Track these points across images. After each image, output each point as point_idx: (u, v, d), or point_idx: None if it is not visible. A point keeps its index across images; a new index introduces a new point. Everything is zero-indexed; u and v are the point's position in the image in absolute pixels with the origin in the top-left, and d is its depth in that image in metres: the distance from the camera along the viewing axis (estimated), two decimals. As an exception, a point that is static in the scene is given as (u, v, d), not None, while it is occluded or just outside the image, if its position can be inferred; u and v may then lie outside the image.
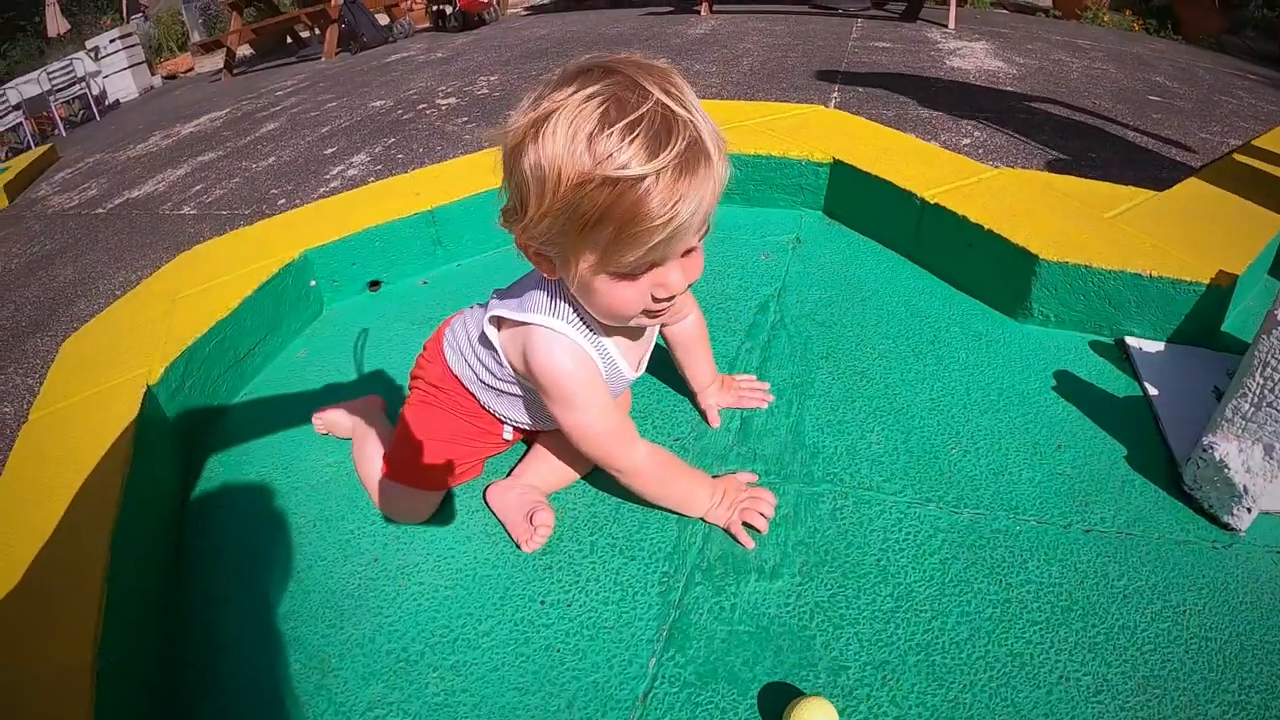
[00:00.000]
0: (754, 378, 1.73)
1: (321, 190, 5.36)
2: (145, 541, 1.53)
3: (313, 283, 2.42)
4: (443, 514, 1.55)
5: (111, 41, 14.60)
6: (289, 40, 13.86)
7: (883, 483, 1.43)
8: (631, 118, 0.95)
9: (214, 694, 1.31)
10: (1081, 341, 1.77)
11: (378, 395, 1.83)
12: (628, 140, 0.94)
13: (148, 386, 1.85)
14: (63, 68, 12.97)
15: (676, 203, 0.97)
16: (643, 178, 0.95)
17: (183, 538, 1.65)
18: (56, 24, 16.11)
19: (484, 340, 1.36)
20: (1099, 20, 8.38)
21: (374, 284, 2.53)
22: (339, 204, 2.72)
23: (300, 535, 1.57)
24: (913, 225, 2.07)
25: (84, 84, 13.15)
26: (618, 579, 1.35)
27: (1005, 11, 8.96)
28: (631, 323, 1.18)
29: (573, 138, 0.96)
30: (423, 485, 1.50)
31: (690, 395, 1.69)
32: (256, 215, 5.01)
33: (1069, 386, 1.64)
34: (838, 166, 2.32)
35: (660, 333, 1.56)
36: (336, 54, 11.05)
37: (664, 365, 1.71)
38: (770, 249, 2.29)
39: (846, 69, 6.05)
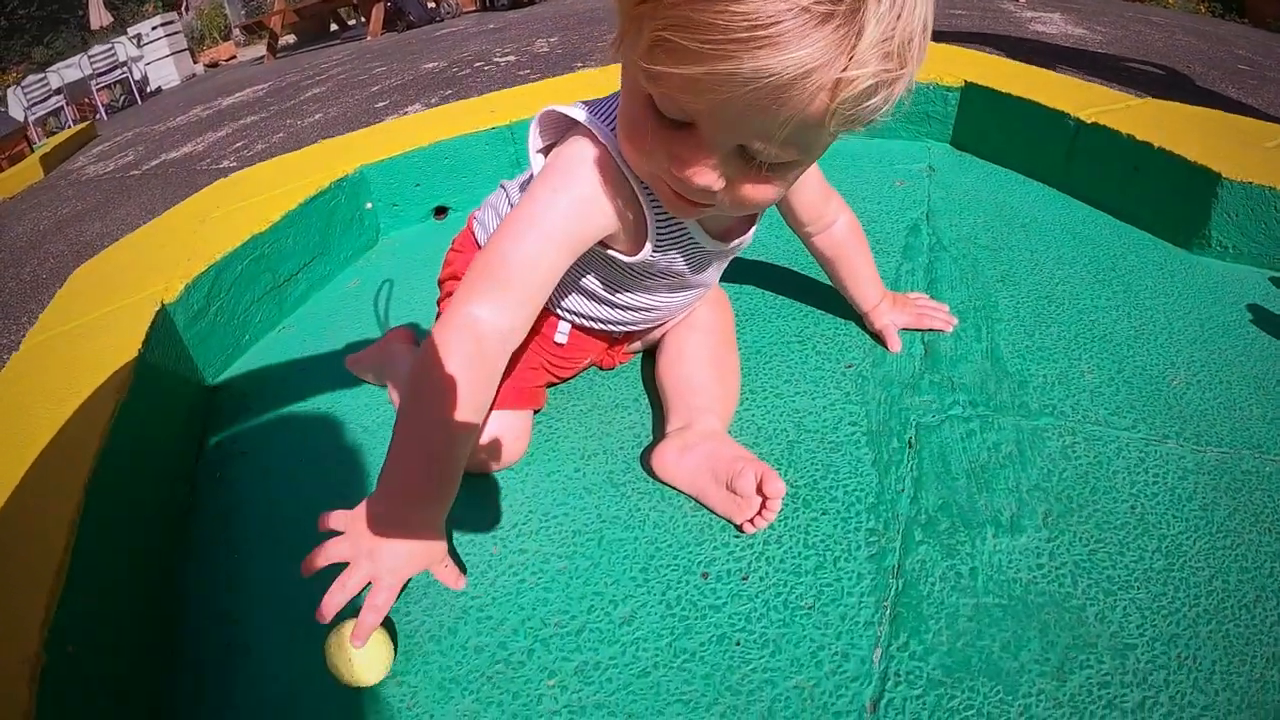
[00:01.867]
0: (927, 296, 1.50)
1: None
2: (137, 491, 1.20)
3: (369, 205, 2.08)
4: (538, 457, 1.25)
5: (154, 29, 14.60)
6: (332, 26, 13.61)
7: (1110, 416, 1.21)
8: None
9: (221, 711, 0.97)
10: (1261, 277, 1.56)
11: (405, 327, 1.51)
12: None
13: (162, 305, 1.53)
14: (104, 51, 12.92)
15: (746, 40, 0.64)
16: None
17: (195, 494, 1.33)
18: (99, 16, 16.19)
19: (525, 186, 1.05)
20: (1164, 2, 8.29)
21: (440, 211, 2.20)
22: (404, 124, 2.38)
23: (345, 493, 1.24)
24: (1063, 151, 1.86)
25: (125, 69, 13.08)
26: (808, 539, 1.05)
27: None
28: (644, 176, 0.91)
29: None
30: (498, 402, 1.16)
31: (857, 317, 1.45)
32: None
33: (1271, 323, 1.42)
34: (971, 91, 2.09)
35: (810, 246, 1.37)
36: (382, 33, 10.75)
37: (820, 285, 1.54)
38: (902, 177, 2.06)
39: (935, 28, 5.75)
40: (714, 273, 1.21)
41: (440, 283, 1.33)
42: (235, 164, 5.12)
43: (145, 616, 1.06)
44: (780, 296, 1.56)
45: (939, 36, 4.92)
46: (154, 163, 6.06)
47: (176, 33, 14.91)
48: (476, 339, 0.90)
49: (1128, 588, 0.97)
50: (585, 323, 1.23)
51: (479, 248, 1.22)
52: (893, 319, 1.39)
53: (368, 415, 1.41)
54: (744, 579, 1.01)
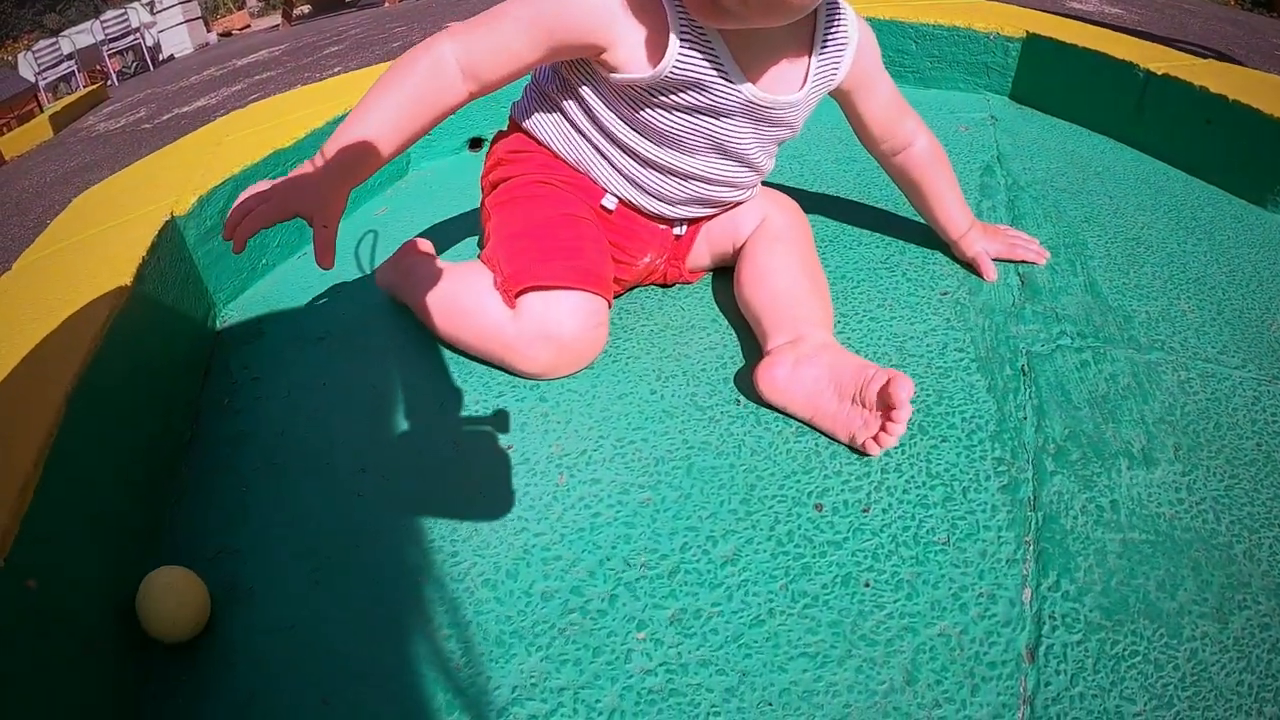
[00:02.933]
0: (1013, 229, 1.41)
1: None
2: (131, 410, 1.04)
3: None
4: (604, 379, 1.12)
5: (168, -4, 14.37)
6: (348, -1, 13.47)
7: (1218, 355, 1.14)
8: None
9: (224, 662, 0.83)
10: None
11: (421, 238, 1.34)
12: None
13: (171, 218, 1.37)
14: (117, 16, 12.78)
15: None
16: None
17: (199, 422, 1.17)
18: (113, -15, 15.98)
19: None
20: None
21: (476, 142, 2.05)
22: None
23: (364, 418, 1.12)
24: (1133, 104, 1.78)
25: (138, 35, 12.92)
26: (930, 468, 0.94)
27: None
28: None
29: None
30: (558, 278, 1.06)
31: (944, 246, 1.36)
32: None
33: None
34: (1033, 41, 2.00)
35: (889, 168, 1.30)
36: (399, 1, 10.58)
37: (900, 215, 1.46)
38: (966, 125, 1.94)
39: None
40: (759, 147, 1.11)
41: (483, 179, 1.27)
42: (251, 113, 4.97)
43: (129, 550, 0.91)
44: (858, 225, 1.46)
45: None
46: (166, 117, 5.96)
47: (190, 1, 14.76)
48: (425, 62, 0.99)
49: (1269, 525, 0.88)
50: (628, 194, 1.15)
51: (518, 124, 1.21)
52: (985, 247, 1.30)
53: (388, 338, 1.27)
54: (864, 511, 0.88)
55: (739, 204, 1.22)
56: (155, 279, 1.23)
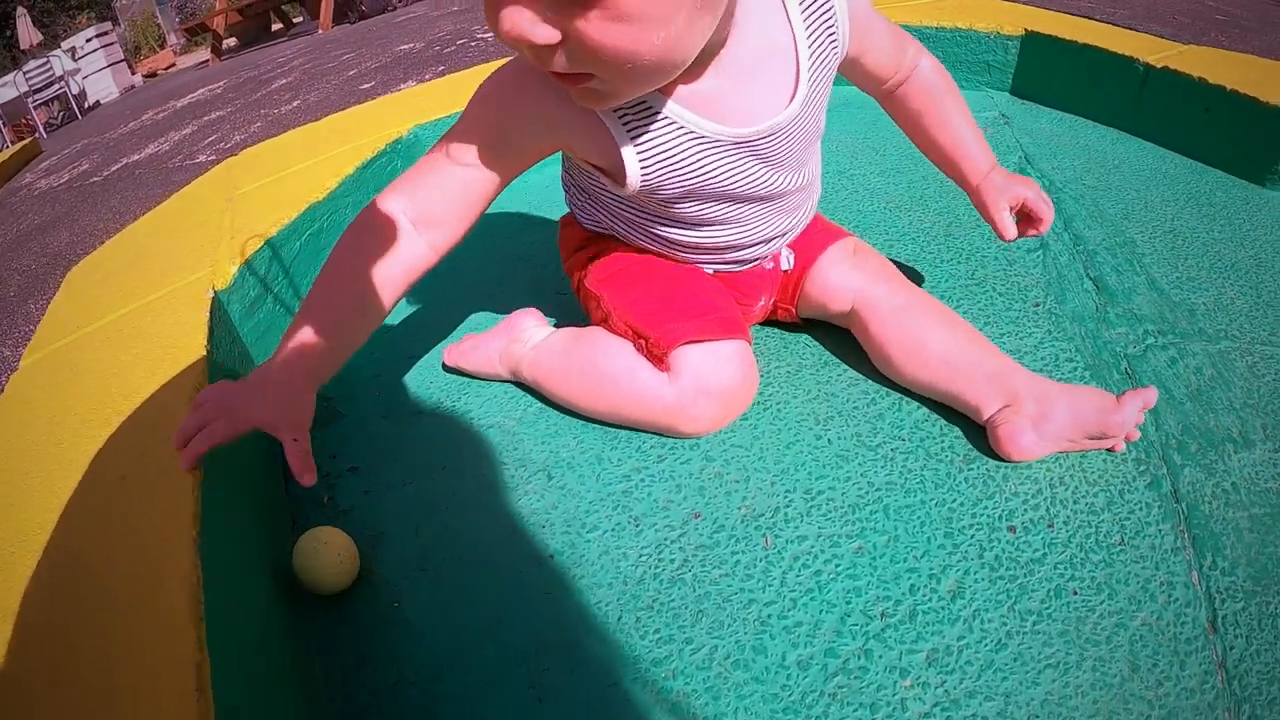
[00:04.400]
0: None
1: None
2: (243, 540, 0.96)
3: None
4: (764, 426, 1.09)
5: (88, 40, 14.09)
6: (276, 25, 13.21)
7: (1269, 337, 1.20)
8: None
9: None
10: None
11: (527, 310, 1.28)
12: None
13: (213, 293, 1.27)
14: (40, 66, 12.43)
15: None
16: None
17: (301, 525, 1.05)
18: (29, 35, 15.67)
19: None
20: None
21: None
22: (450, 85, 2.15)
23: (527, 505, 1.04)
24: (1133, 95, 1.85)
25: (63, 83, 12.59)
26: (1086, 476, 0.99)
27: None
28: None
29: None
30: (707, 331, 1.02)
31: (1020, 252, 1.40)
32: None
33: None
34: (1032, 39, 2.06)
35: (889, 106, 1.18)
36: (333, 27, 10.40)
37: (966, 224, 1.50)
38: (980, 125, 1.91)
39: None
40: (790, 166, 1.00)
41: (565, 264, 1.23)
42: (213, 156, 4.76)
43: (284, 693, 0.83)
44: (929, 242, 1.47)
45: None
46: (115, 167, 5.69)
47: (112, 43, 14.43)
48: (375, 233, 0.94)
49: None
50: (710, 265, 1.11)
51: (574, 219, 1.17)
52: (1014, 190, 1.14)
53: (493, 411, 1.20)
54: (1050, 526, 0.93)
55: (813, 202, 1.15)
56: (219, 370, 1.13)
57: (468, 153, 0.93)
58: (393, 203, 0.94)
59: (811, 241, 1.15)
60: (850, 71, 1.07)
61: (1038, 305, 1.28)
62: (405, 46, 6.64)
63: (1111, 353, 1.17)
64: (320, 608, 0.93)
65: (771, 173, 0.97)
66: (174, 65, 15.15)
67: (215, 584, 0.76)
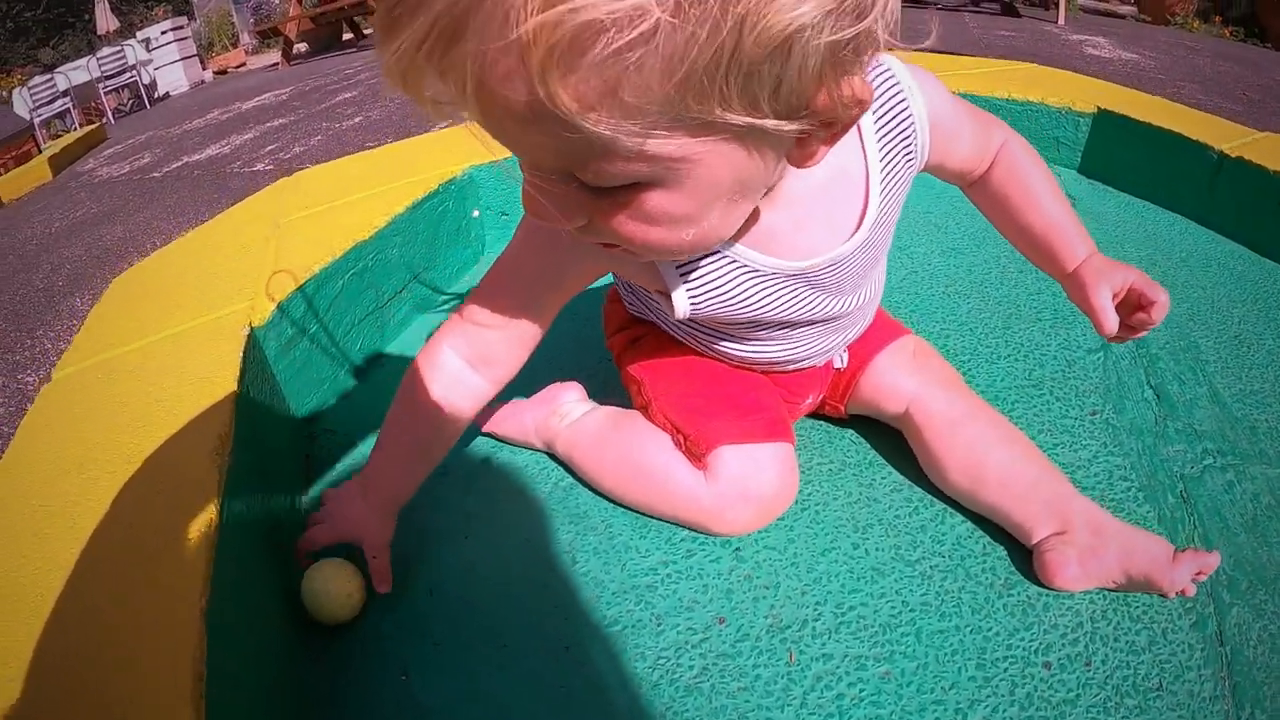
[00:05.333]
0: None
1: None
2: (254, 593, 0.96)
3: (476, 213, 1.83)
4: (801, 529, 1.06)
5: (163, 33, 14.46)
6: (346, 35, 13.44)
7: None
8: None
9: None
10: None
11: (574, 381, 1.25)
12: None
13: (250, 329, 1.24)
14: (114, 54, 12.75)
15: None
16: None
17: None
18: (106, 20, 16.08)
19: None
20: (1189, 26, 8.65)
21: None
22: None
23: (550, 587, 1.02)
24: (1206, 184, 1.79)
25: (134, 72, 12.88)
26: (1130, 611, 0.94)
27: (1087, 14, 9.23)
28: None
29: None
30: (748, 434, 1.00)
31: (1081, 353, 1.36)
32: None
33: None
34: (1104, 117, 2.00)
35: (972, 195, 1.07)
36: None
37: (1025, 315, 1.47)
38: None
39: (988, 52, 5.91)
40: (841, 294, 0.95)
41: (608, 341, 1.20)
42: (271, 167, 4.85)
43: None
44: (988, 334, 1.43)
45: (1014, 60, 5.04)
46: (174, 165, 5.82)
47: (186, 38, 14.80)
48: (438, 378, 0.95)
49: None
50: (762, 367, 1.07)
51: (619, 297, 1.16)
52: (1121, 276, 0.96)
53: (523, 479, 1.19)
54: (1087, 665, 0.89)
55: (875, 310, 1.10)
56: (250, 413, 1.11)
57: (520, 289, 0.92)
58: (453, 345, 0.95)
59: (868, 339, 1.10)
60: (933, 173, 0.99)
61: (1095, 413, 1.23)
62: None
63: (1168, 472, 1.12)
64: (327, 673, 0.92)
65: (829, 299, 0.93)
66: (244, 64, 15.46)
67: (220, 652, 0.73)
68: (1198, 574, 0.90)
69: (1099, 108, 1.99)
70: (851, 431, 1.20)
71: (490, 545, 1.07)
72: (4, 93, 15.85)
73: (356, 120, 5.57)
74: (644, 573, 1.00)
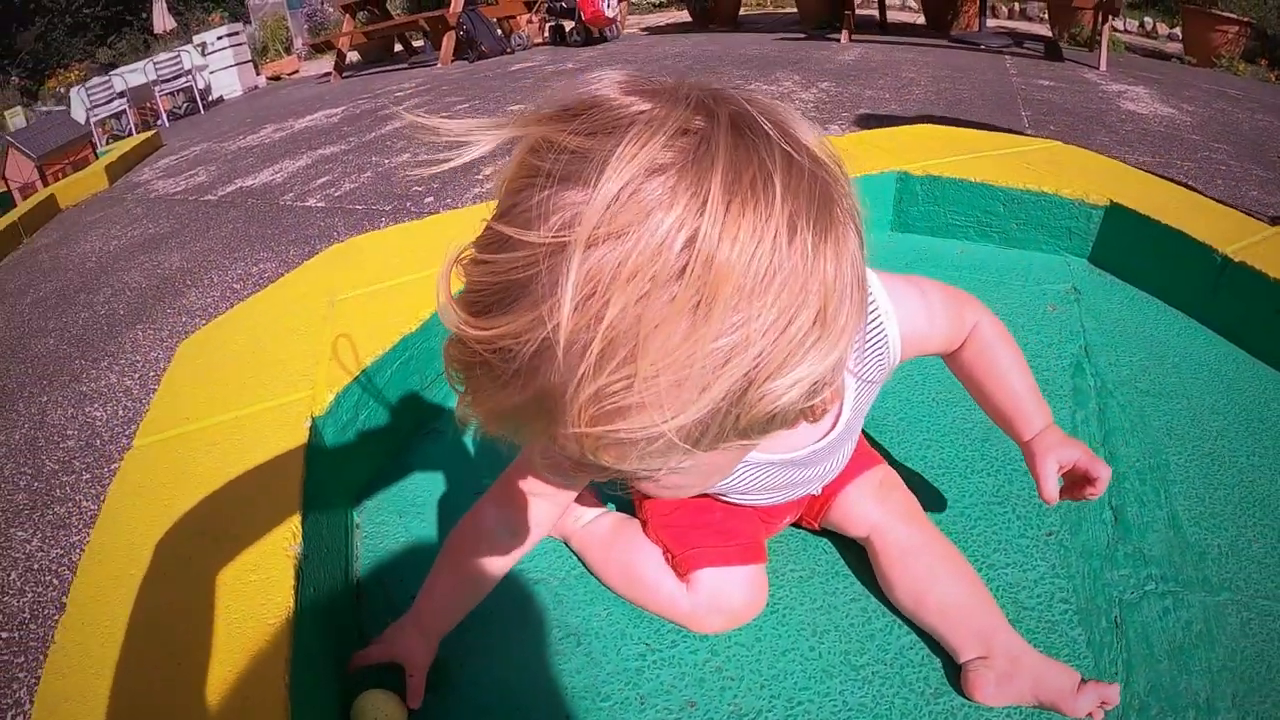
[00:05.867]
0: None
1: (475, 191, 4.79)
2: (324, 666, 1.14)
3: None
4: (768, 630, 1.21)
5: (219, 39, 14.62)
6: (398, 48, 13.62)
7: (1276, 590, 1.21)
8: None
9: None
10: None
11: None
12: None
13: (311, 419, 1.42)
14: (170, 59, 12.97)
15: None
16: None
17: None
18: (163, 21, 16.30)
19: None
20: (1234, 69, 8.45)
21: None
22: None
23: (558, 666, 1.19)
24: (1209, 285, 1.83)
25: (190, 77, 13.11)
26: None
27: (1138, 55, 9.02)
28: None
29: None
30: (724, 559, 1.18)
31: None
32: (400, 213, 4.60)
33: None
34: (1115, 211, 2.06)
35: (950, 364, 1.22)
36: (453, 62, 10.72)
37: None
38: (1051, 299, 2.02)
39: (1025, 105, 5.83)
40: (816, 467, 1.11)
41: None
42: (322, 203, 5.02)
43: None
44: (967, 446, 1.52)
45: (1043, 118, 4.80)
46: (230, 189, 5.95)
47: (241, 44, 14.97)
48: (483, 535, 1.09)
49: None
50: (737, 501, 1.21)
51: None
52: (1063, 454, 1.10)
53: (546, 564, 1.35)
54: None
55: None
56: (313, 499, 1.28)
57: (549, 482, 1.05)
58: (493, 514, 1.09)
59: (844, 468, 1.25)
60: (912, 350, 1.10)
61: (1050, 534, 1.32)
62: (515, 107, 6.78)
63: (1107, 597, 1.20)
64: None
65: (809, 471, 1.10)
66: (298, 71, 15.63)
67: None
68: (1102, 703, 1.02)
69: (1111, 201, 2.05)
70: (824, 541, 1.33)
71: (506, 624, 1.24)
72: (62, 89, 16.20)
73: (404, 157, 5.69)
74: (634, 657, 1.17)
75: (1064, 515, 1.35)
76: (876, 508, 1.22)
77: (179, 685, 0.97)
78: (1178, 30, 9.46)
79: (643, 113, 0.50)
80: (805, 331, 0.50)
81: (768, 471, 1.07)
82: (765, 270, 0.48)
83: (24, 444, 2.97)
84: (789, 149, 0.51)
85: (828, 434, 1.04)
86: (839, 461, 1.17)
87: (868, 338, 0.99)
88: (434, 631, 1.13)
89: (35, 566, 2.33)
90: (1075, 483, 1.12)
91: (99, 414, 3.09)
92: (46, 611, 2.14)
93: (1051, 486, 1.09)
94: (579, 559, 1.33)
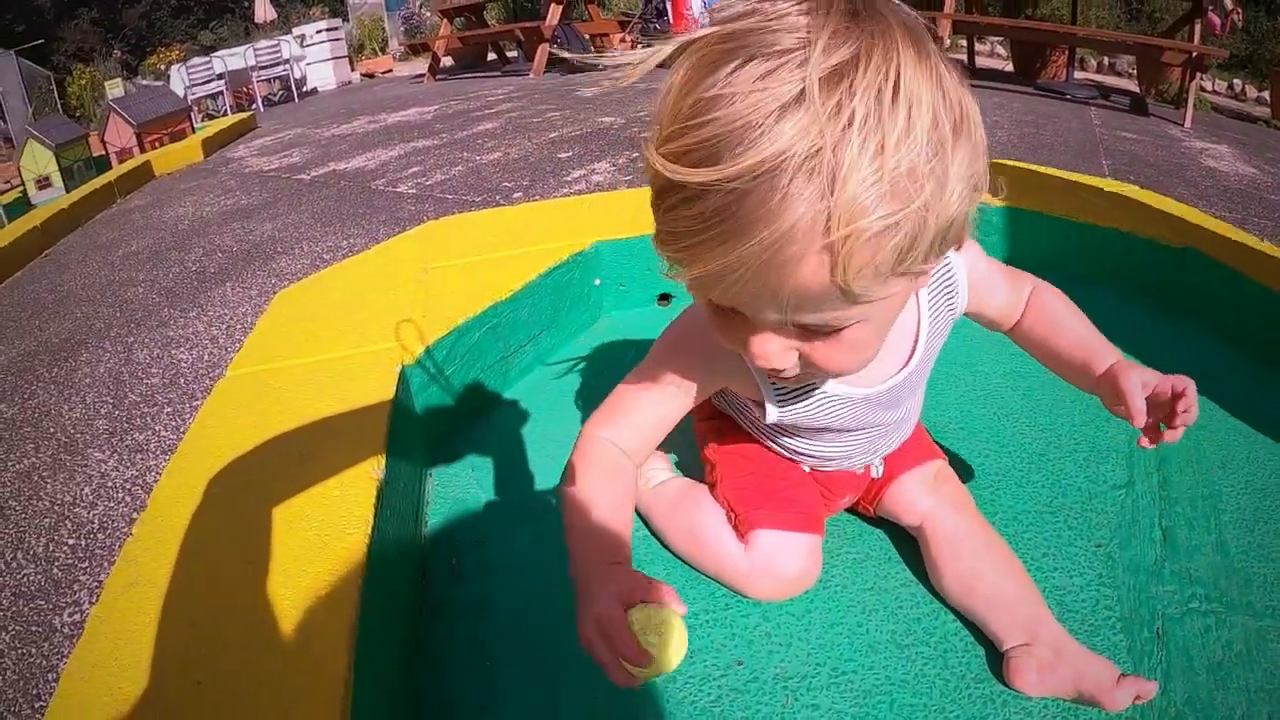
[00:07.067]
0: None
1: (563, 191, 4.83)
2: (395, 586, 1.21)
3: (597, 281, 2.09)
4: (819, 604, 1.24)
5: (318, 32, 15.09)
6: (491, 56, 13.86)
7: None
8: (755, 79, 0.64)
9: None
10: None
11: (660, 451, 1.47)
12: (704, 116, 0.65)
13: (401, 367, 1.51)
14: (270, 46, 13.40)
15: (701, 233, 0.68)
16: (678, 185, 0.67)
17: (430, 586, 1.32)
18: (264, 11, 16.78)
19: None
20: None
21: (664, 297, 2.21)
22: (624, 200, 2.39)
23: None
24: (1274, 331, 1.80)
25: (288, 66, 13.49)
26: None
27: (1222, 115, 8.94)
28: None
29: (680, 83, 0.70)
30: (783, 523, 1.22)
31: (1103, 488, 1.45)
32: (489, 204, 4.63)
33: None
34: (1192, 255, 2.03)
35: (1014, 337, 1.25)
36: (545, 73, 10.89)
37: (1064, 442, 1.57)
38: (1118, 335, 1.93)
39: (1106, 154, 5.81)
40: (892, 409, 1.17)
41: (695, 425, 1.39)
42: (413, 190, 5.15)
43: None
44: (1023, 456, 1.55)
45: (1123, 168, 4.75)
46: (322, 170, 6.13)
47: (339, 39, 15.39)
48: (601, 455, 1.06)
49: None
50: (811, 463, 1.27)
51: None
52: (1144, 377, 1.05)
53: None
54: None
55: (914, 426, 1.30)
56: (397, 437, 1.36)
57: (658, 394, 1.09)
58: (608, 441, 1.08)
59: (903, 455, 1.31)
60: (972, 318, 1.20)
61: (1100, 546, 1.32)
62: (606, 120, 6.95)
63: (1151, 610, 1.20)
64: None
65: (882, 413, 1.14)
66: (391, 70, 15.98)
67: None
68: (1137, 698, 1.03)
69: (1189, 244, 2.01)
70: (880, 530, 1.38)
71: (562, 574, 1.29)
72: (161, 66, 16.73)
73: (495, 156, 5.78)
74: (689, 616, 1.17)
75: (1114, 530, 1.36)
76: (928, 496, 1.27)
77: (246, 584, 1.04)
78: (1265, 94, 9.38)
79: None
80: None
81: (848, 407, 1.11)
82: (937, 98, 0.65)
83: (108, 377, 3.13)
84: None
85: (904, 366, 1.10)
86: (904, 420, 1.23)
87: (937, 272, 1.08)
88: (618, 559, 0.97)
89: (109, 484, 2.46)
90: (1160, 406, 1.05)
91: (184, 357, 3.22)
92: (115, 525, 2.26)
93: (1140, 402, 1.02)
94: (644, 521, 1.39)
